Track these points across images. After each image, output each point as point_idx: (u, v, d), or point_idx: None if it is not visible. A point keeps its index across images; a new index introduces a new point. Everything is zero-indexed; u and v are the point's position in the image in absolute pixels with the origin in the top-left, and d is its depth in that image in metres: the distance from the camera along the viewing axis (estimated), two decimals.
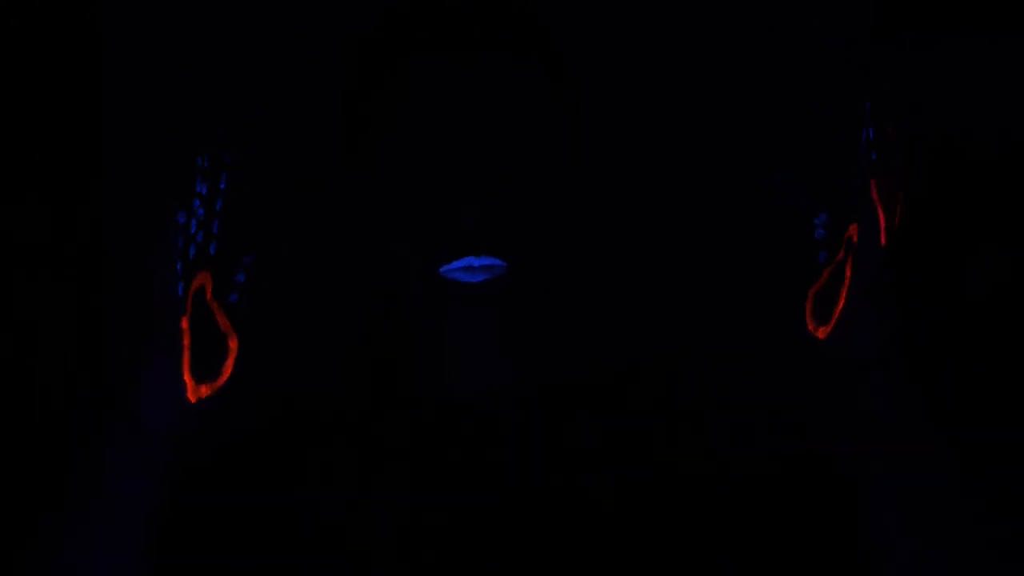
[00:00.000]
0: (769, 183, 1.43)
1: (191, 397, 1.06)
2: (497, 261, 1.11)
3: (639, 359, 1.22)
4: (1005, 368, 1.48)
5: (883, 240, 1.07)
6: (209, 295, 1.07)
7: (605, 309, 1.39)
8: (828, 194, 1.10)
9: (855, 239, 1.07)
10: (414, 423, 1.17)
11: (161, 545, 1.08)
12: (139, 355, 1.07)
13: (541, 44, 1.17)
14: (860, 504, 1.07)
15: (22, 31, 1.46)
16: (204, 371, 1.07)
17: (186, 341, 1.05)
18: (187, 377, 1.06)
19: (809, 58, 1.45)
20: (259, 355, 1.12)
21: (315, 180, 1.41)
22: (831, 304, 1.08)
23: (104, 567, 1.06)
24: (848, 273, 1.07)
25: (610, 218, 1.44)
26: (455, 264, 1.11)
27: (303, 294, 1.44)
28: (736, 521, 1.13)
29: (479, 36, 1.15)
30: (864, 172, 1.08)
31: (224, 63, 1.45)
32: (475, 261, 1.11)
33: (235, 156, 1.07)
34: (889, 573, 1.06)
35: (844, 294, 1.07)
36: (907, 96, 1.49)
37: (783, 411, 1.15)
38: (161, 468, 1.07)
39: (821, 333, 1.08)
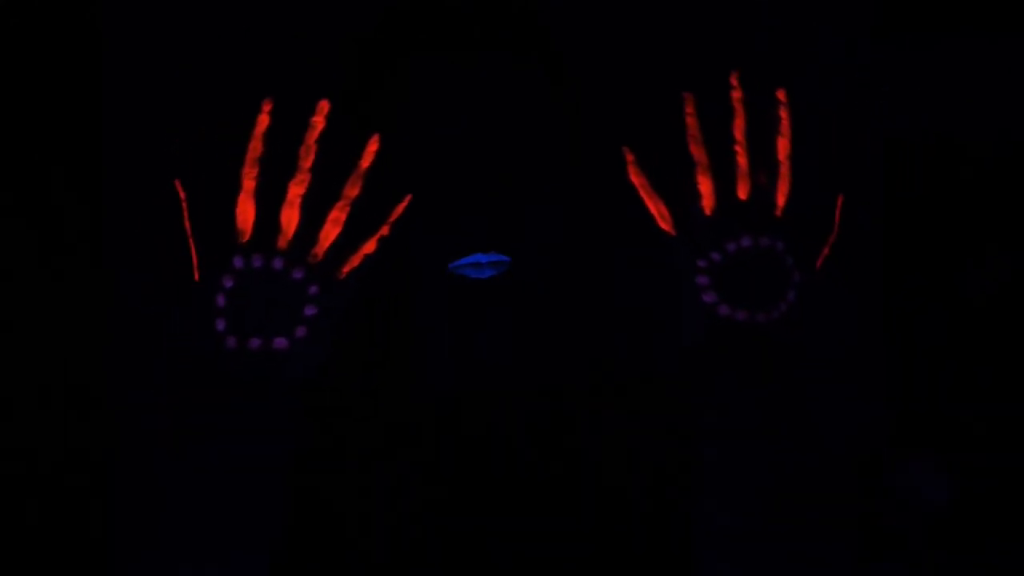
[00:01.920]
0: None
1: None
2: (505, 257, 1.11)
3: (639, 359, 1.22)
4: (1005, 368, 1.48)
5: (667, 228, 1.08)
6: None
7: (605, 309, 1.39)
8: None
9: None
10: (413, 423, 1.17)
11: None
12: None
13: (541, 44, 1.17)
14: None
15: (22, 31, 1.46)
16: None
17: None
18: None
19: (809, 58, 1.45)
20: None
21: (315, 180, 1.40)
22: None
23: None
24: None
25: (610, 218, 1.44)
26: (463, 260, 1.11)
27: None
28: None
29: (479, 36, 1.15)
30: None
31: (224, 63, 1.45)
32: (483, 257, 1.11)
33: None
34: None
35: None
36: (907, 96, 1.49)
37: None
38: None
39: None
